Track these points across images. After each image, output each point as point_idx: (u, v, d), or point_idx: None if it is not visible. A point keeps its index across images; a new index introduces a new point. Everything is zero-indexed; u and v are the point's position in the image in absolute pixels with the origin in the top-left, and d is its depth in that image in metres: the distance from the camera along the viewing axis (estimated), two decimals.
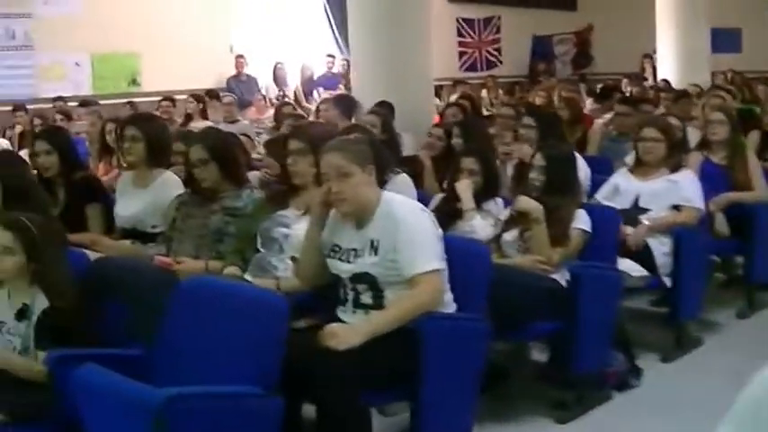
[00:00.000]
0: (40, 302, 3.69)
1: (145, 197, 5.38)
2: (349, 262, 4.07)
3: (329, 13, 15.96)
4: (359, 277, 4.03)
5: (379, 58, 9.51)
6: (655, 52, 15.84)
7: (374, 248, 4.00)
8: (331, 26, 15.96)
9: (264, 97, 12.99)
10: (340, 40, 15.88)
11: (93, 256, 4.44)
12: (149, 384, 3.12)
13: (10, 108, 11.76)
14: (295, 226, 4.54)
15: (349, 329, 3.77)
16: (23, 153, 9.56)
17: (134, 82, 13.74)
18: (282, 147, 4.88)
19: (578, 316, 4.87)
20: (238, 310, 3.51)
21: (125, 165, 7.11)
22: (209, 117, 11.32)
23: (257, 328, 3.39)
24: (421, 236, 3.98)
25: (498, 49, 19.48)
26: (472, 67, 18.86)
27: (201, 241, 4.89)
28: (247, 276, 4.54)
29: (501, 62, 19.51)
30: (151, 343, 3.68)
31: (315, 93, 14.89)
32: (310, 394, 3.71)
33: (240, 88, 13.61)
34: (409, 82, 9.57)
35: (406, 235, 3.93)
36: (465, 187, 5.45)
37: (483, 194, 5.51)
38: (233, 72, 14.33)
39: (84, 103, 10.86)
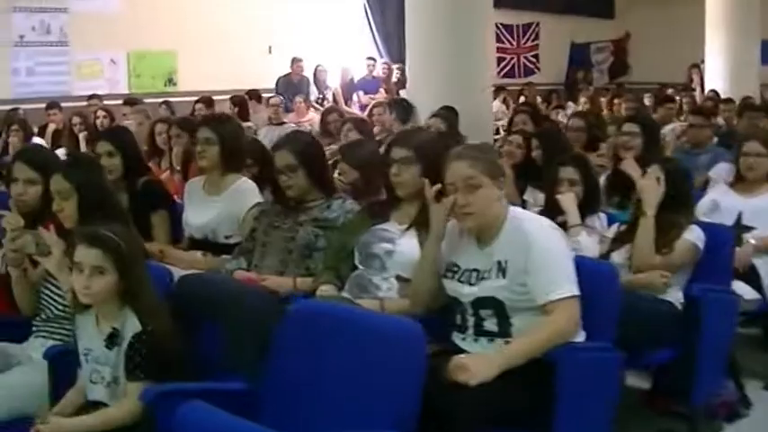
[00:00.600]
0: (131, 326, 3.24)
1: (218, 205, 4.92)
2: (470, 284, 3.62)
3: (369, 16, 15.52)
4: (483, 302, 3.58)
5: (436, 62, 9.10)
6: (702, 62, 15.32)
7: (502, 270, 3.56)
8: (371, 29, 15.52)
9: (305, 100, 12.49)
10: (380, 44, 15.44)
11: (176, 271, 3.97)
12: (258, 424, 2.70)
13: (43, 105, 11.25)
14: (399, 241, 4.09)
15: (480, 362, 3.31)
16: (60, 153, 9.25)
17: (170, 81, 13.28)
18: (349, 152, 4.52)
19: (698, 342, 4.41)
20: (365, 340, 3.04)
21: (178, 167, 6.76)
22: (249, 119, 10.88)
23: (391, 362, 2.93)
24: (555, 257, 3.54)
25: (536, 56, 19.09)
26: (510, 74, 18.43)
27: (288, 256, 4.43)
28: (345, 293, 4.08)
29: (539, 69, 19.08)
30: (256, 376, 3.22)
31: (355, 96, 14.40)
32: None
33: (289, 90, 13.10)
34: (466, 87, 9.12)
35: (538, 256, 3.50)
36: (570, 200, 4.97)
37: (585, 208, 5.03)
38: (271, 73, 13.85)
39: (130, 101, 10.37)
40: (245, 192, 4.92)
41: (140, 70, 13.01)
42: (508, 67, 18.60)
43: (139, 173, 5.15)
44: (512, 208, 3.74)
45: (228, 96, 11.74)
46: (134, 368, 3.17)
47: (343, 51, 15.09)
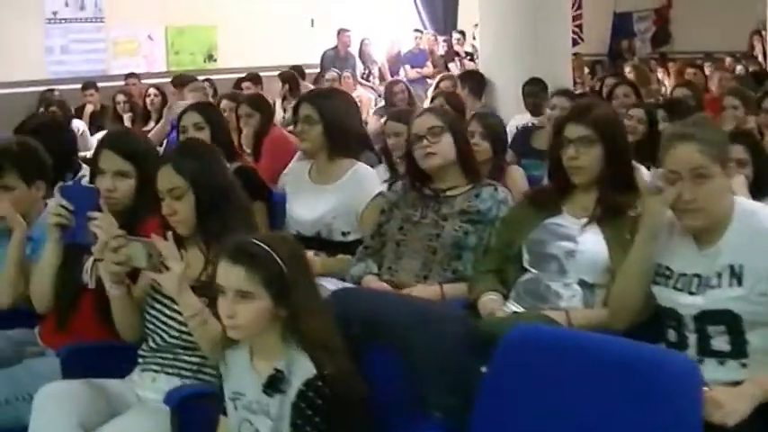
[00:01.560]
0: (302, 369, 2.50)
1: (332, 195, 4.18)
2: (691, 293, 2.91)
3: None
4: (712, 315, 2.87)
5: (511, 30, 8.46)
6: (765, 28, 14.48)
7: (736, 277, 2.85)
8: (415, 0, 14.70)
9: (353, 75, 11.71)
10: (424, 15, 14.66)
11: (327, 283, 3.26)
12: None
13: (79, 86, 10.52)
14: (580, 239, 3.35)
15: (733, 396, 2.59)
16: (96, 137, 8.53)
17: (210, 57, 12.52)
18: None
19: None
20: (620, 379, 2.30)
21: (248, 150, 6.04)
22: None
23: (661, 409, 2.19)
24: None
25: (580, 26, 18.20)
26: None
27: (431, 257, 3.73)
28: (512, 307, 3.36)
29: (582, 39, 18.22)
30: (458, 420, 2.49)
31: (401, 70, 13.62)
32: None
33: (336, 65, 12.32)
34: (545, 55, 8.39)
35: None
36: (741, 183, 4.19)
37: (754, 192, 4.26)
38: (313, 48, 13.08)
39: (182, 79, 9.54)
40: (363, 179, 4.19)
41: (179, 46, 12.24)
42: None
43: (230, 157, 4.40)
44: (738, 199, 3.02)
45: (275, 73, 10.95)
46: (305, 424, 2.44)
47: (386, 24, 14.31)
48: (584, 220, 3.39)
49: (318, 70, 12.28)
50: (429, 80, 13.21)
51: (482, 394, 2.50)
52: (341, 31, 13.18)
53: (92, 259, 3.32)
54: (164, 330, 3.02)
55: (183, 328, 2.95)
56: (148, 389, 2.99)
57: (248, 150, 6.17)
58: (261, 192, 4.48)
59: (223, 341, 2.63)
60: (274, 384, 2.48)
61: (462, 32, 14.53)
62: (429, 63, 13.83)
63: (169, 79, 10.74)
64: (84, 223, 3.14)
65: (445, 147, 3.76)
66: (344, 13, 13.56)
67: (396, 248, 3.79)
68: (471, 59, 13.90)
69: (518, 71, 8.23)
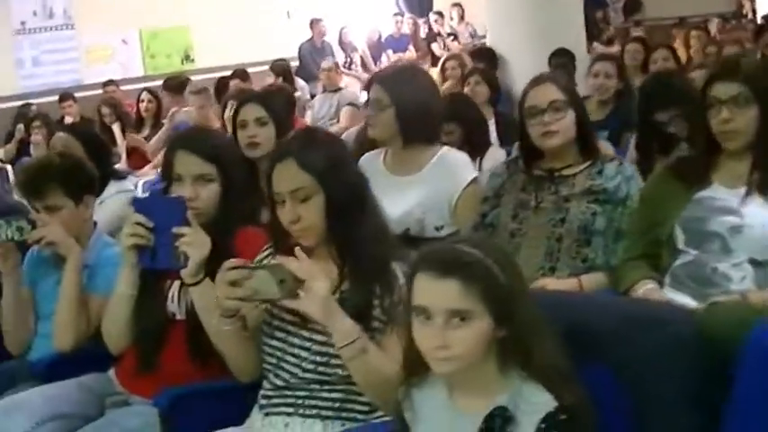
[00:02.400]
0: (534, 401, 1.95)
1: (418, 187, 3.62)
2: None
3: None
4: None
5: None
6: None
7: None
8: None
9: (337, 65, 11.15)
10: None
11: None
12: None
13: (54, 98, 9.90)
14: (745, 211, 2.85)
15: None
16: None
17: (187, 58, 11.93)
18: None
19: None
20: None
21: None
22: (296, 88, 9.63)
23: None
24: None
25: None
26: None
27: (556, 245, 3.20)
28: (671, 295, 2.86)
29: None
30: None
31: (384, 56, 13.10)
32: None
33: (314, 56, 11.78)
34: (558, 28, 7.91)
35: None
36: None
37: None
38: (290, 41, 12.51)
39: (176, 81, 8.85)
40: (452, 165, 3.64)
41: (155, 49, 11.63)
42: None
43: None
44: None
45: (256, 69, 10.38)
46: None
47: (363, 10, 13.78)
48: (741, 190, 2.88)
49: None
50: None
51: (733, 414, 1.97)
52: (314, 21, 12.60)
53: (177, 285, 2.77)
54: (293, 364, 2.46)
55: (319, 359, 2.41)
56: None
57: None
58: None
59: (408, 378, 2.08)
60: (497, 426, 1.93)
61: (440, 13, 14.05)
62: (411, 47, 13.31)
63: (146, 84, 10.18)
64: (168, 242, 2.59)
65: (568, 124, 3.24)
66: (320, 2, 13.00)
67: (510, 239, 3.27)
68: (455, 39, 13.45)
69: (529, 44, 7.76)
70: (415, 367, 2.05)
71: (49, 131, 8.37)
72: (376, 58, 13.08)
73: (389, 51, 13.21)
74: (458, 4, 13.85)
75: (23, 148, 9.14)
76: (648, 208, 3.06)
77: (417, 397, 2.09)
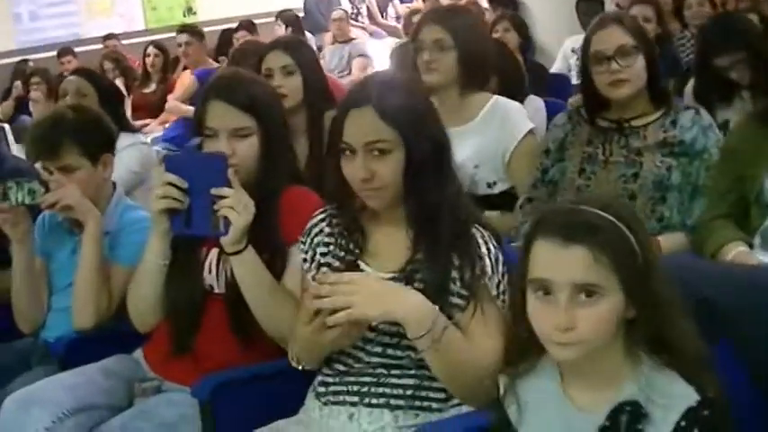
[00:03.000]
0: (671, 394, 1.63)
1: (470, 139, 3.29)
2: None
3: None
4: None
5: None
6: None
7: None
8: None
9: (347, 14, 10.69)
10: None
11: None
12: None
13: (53, 54, 9.50)
14: None
15: None
16: None
17: (189, 11, 11.48)
18: None
19: None
20: None
21: None
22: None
23: None
24: None
25: None
26: None
27: (629, 203, 2.87)
28: (761, 256, 2.55)
29: None
30: None
31: (390, 7, 12.64)
32: None
33: (320, 6, 11.35)
34: None
35: None
36: None
37: None
38: None
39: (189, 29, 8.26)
40: (507, 115, 3.32)
41: (156, 1, 11.18)
42: None
43: (326, 102, 3.50)
44: None
45: (261, 21, 9.95)
46: None
47: None
48: None
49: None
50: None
51: None
52: None
53: (215, 254, 2.44)
54: (357, 346, 2.12)
55: (387, 340, 2.08)
56: (348, 429, 2.11)
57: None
58: None
59: (511, 367, 1.75)
60: (623, 423, 1.61)
61: None
62: None
63: (149, 38, 9.78)
64: (206, 205, 2.25)
65: (639, 71, 2.91)
66: None
67: (578, 196, 2.95)
68: None
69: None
70: (522, 353, 1.73)
71: (49, 88, 8.05)
72: (382, 9, 12.62)
73: (396, 2, 12.74)
74: None
75: (21, 105, 8.82)
76: (732, 162, 2.75)
77: (523, 389, 1.76)
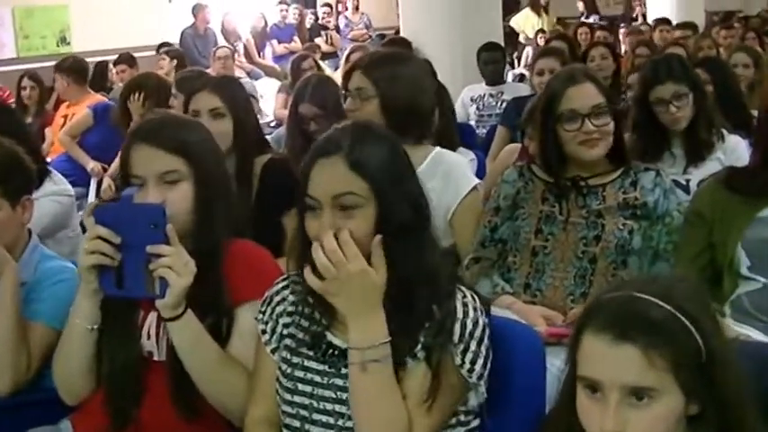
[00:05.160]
0: None
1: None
2: None
3: None
4: None
5: None
6: None
7: None
8: None
9: (233, 52, 10.43)
10: None
11: None
12: None
13: None
14: None
15: None
16: None
17: (63, 40, 11.05)
18: None
19: None
20: None
21: None
22: None
23: None
24: None
25: None
26: None
27: (589, 267, 2.82)
28: (733, 326, 2.48)
29: None
30: None
31: (267, 47, 12.46)
32: None
33: (197, 44, 11.11)
34: (477, 20, 7.54)
35: None
36: None
37: None
38: (172, 26, 11.77)
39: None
40: (450, 169, 3.13)
41: (28, 30, 10.70)
42: None
43: (258, 147, 3.29)
44: None
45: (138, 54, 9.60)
46: None
47: None
48: None
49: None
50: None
51: None
52: (198, 7, 11.87)
53: (154, 317, 2.19)
54: (325, 425, 1.91)
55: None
56: None
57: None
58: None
59: None
60: None
61: (329, 5, 13.53)
62: (296, 38, 12.71)
63: (20, 66, 9.34)
64: (140, 264, 2.01)
65: (610, 131, 2.79)
66: None
67: (532, 259, 2.82)
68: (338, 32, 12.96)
69: (450, 36, 7.36)
70: None
71: None
72: (260, 48, 12.43)
73: (274, 41, 12.57)
74: None
75: None
76: (701, 228, 2.66)
77: None
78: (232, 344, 2.15)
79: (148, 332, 2.20)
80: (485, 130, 5.91)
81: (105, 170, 5.72)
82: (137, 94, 5.36)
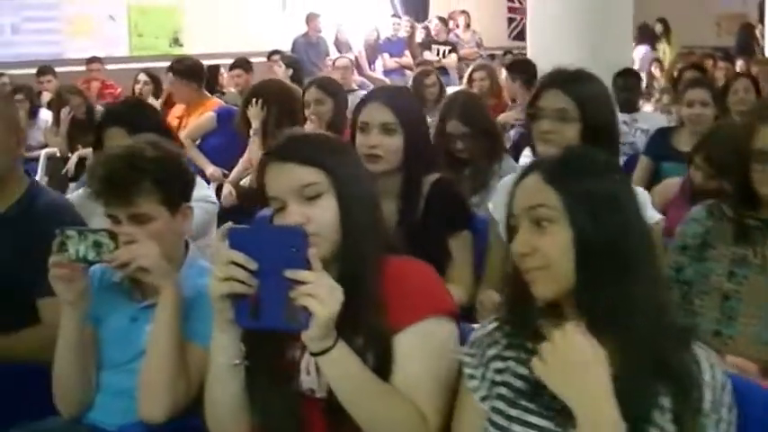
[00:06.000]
0: None
1: None
2: None
3: None
4: None
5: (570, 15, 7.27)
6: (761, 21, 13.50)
7: None
8: None
9: (352, 63, 10.28)
10: (397, 1, 13.41)
11: None
12: None
13: (30, 71, 8.97)
14: None
15: None
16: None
17: (176, 41, 11.01)
18: None
19: None
20: None
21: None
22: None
23: None
24: None
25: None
26: (519, 37, 16.59)
27: None
28: None
29: None
30: None
31: (379, 59, 12.30)
32: None
33: (309, 52, 11.01)
34: (608, 42, 7.24)
35: None
36: None
37: None
38: (284, 33, 11.71)
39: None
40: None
41: (142, 28, 10.68)
42: (518, 29, 16.74)
43: (427, 166, 3.03)
44: None
45: (254, 60, 9.48)
46: None
47: (359, 9, 12.99)
48: None
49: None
50: (408, 71, 12.04)
51: None
52: (311, 16, 11.84)
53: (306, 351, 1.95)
54: None
55: None
56: None
57: None
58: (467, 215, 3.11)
59: None
60: None
61: (443, 19, 13.32)
62: (407, 52, 12.53)
63: (133, 65, 9.32)
64: (279, 292, 1.76)
65: None
66: None
67: (723, 303, 2.54)
68: (452, 50, 12.71)
69: (577, 59, 7.05)
70: None
71: (32, 107, 7.57)
72: (371, 61, 12.29)
73: (385, 55, 12.41)
74: (464, 12, 13.10)
75: None
76: None
77: None
78: (395, 375, 1.89)
79: (308, 368, 1.96)
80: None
81: (225, 176, 5.55)
82: (257, 101, 5.20)
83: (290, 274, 1.73)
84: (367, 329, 1.85)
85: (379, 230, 1.99)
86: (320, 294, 1.72)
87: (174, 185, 2.32)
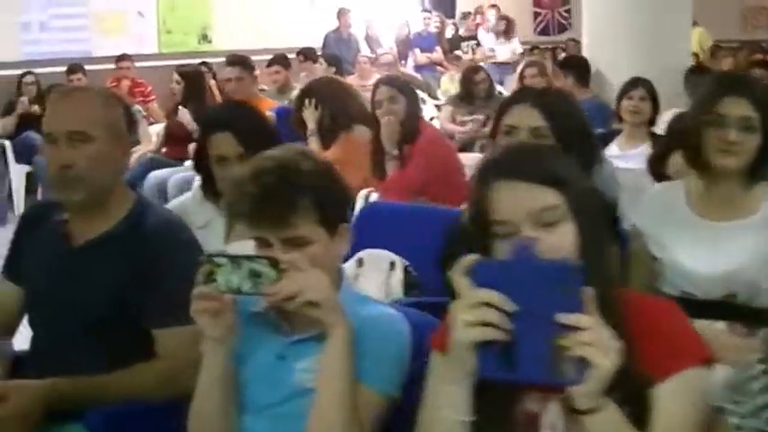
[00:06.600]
0: None
1: (751, 238, 2.57)
2: None
3: None
4: None
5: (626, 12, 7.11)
6: None
7: None
8: None
9: (396, 59, 9.96)
10: None
11: None
12: None
13: (58, 69, 8.70)
14: None
15: None
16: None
17: (205, 38, 10.71)
18: None
19: None
20: None
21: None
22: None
23: None
24: None
25: (568, 11, 17.12)
26: (545, 31, 16.45)
27: None
28: None
29: (570, 25, 17.16)
30: None
31: (410, 55, 12.01)
32: None
33: (341, 48, 10.73)
34: (665, 39, 6.99)
35: None
36: None
37: None
38: (313, 29, 11.42)
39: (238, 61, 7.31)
40: None
41: (171, 24, 10.37)
42: (543, 24, 16.59)
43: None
44: None
45: (291, 55, 9.19)
46: None
47: (388, 4, 12.70)
48: None
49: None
50: (438, 67, 11.77)
51: None
52: (342, 11, 11.58)
53: (557, 408, 1.64)
54: None
55: None
56: None
57: (393, 152, 4.47)
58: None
59: None
60: None
61: (469, 14, 13.06)
62: (438, 48, 12.24)
63: (162, 63, 9.04)
64: (543, 339, 1.47)
65: None
66: None
67: None
68: (479, 45, 12.43)
69: (633, 57, 6.80)
70: None
71: None
72: (402, 57, 12.00)
73: (417, 50, 12.13)
74: (494, 6, 12.81)
75: (25, 122, 8.06)
76: None
77: None
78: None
79: (553, 426, 1.65)
80: None
81: None
82: (310, 101, 4.95)
83: (564, 318, 1.45)
84: (626, 380, 1.54)
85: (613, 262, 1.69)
86: (600, 343, 1.43)
87: (332, 202, 2.00)
